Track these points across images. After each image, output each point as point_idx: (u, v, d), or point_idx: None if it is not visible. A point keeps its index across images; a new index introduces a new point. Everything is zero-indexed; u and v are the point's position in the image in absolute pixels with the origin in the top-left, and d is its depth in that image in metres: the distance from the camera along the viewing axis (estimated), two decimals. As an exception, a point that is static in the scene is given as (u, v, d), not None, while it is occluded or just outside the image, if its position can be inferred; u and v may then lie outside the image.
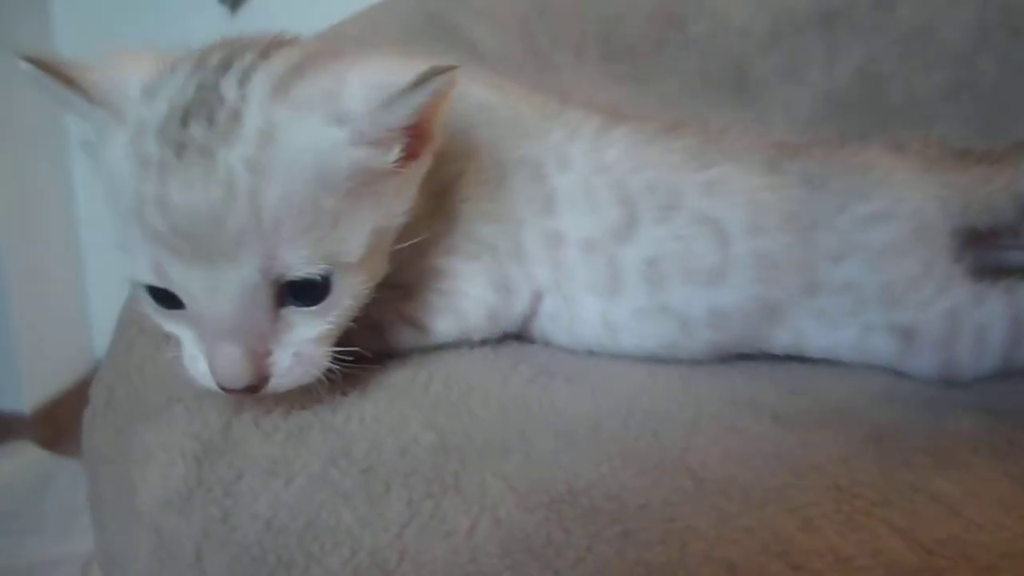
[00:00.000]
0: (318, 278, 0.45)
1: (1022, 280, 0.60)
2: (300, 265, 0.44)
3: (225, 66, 0.45)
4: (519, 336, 0.60)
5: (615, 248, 0.58)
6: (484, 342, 0.58)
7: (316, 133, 0.44)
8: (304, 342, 0.46)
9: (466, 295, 0.56)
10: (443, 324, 0.56)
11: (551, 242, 0.58)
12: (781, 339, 0.60)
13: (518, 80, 0.67)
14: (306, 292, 0.45)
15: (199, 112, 0.43)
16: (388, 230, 0.48)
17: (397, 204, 0.48)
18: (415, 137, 0.47)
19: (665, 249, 0.58)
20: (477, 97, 0.58)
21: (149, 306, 0.47)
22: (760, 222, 0.58)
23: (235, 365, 0.44)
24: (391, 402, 0.50)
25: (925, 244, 0.60)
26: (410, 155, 0.47)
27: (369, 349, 0.51)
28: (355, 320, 0.49)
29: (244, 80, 0.44)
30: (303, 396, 0.50)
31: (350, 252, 0.46)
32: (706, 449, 0.48)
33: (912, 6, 0.92)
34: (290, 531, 0.41)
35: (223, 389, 0.45)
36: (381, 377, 0.53)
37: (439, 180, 0.53)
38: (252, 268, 0.43)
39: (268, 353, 0.45)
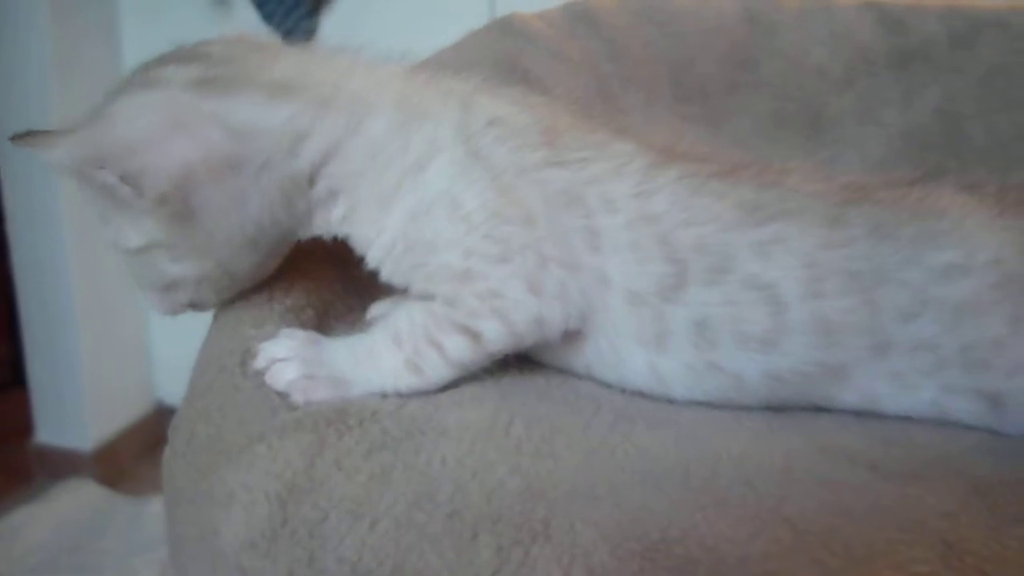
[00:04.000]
0: None
1: None
2: None
3: None
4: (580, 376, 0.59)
5: (662, 305, 0.55)
6: (562, 387, 0.57)
7: None
8: None
9: (504, 297, 0.54)
10: (491, 328, 0.54)
11: (596, 279, 0.56)
12: (848, 399, 0.57)
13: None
14: None
15: None
16: None
17: None
18: None
19: (715, 313, 0.55)
20: (490, 110, 0.58)
21: None
22: (818, 286, 0.55)
23: None
24: (473, 444, 0.49)
25: (1009, 299, 0.55)
26: None
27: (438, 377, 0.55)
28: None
29: None
30: (382, 435, 0.50)
31: None
32: (803, 500, 0.46)
33: (992, 45, 0.90)
34: (377, 575, 0.40)
35: None
36: (460, 415, 0.52)
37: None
38: None
39: None
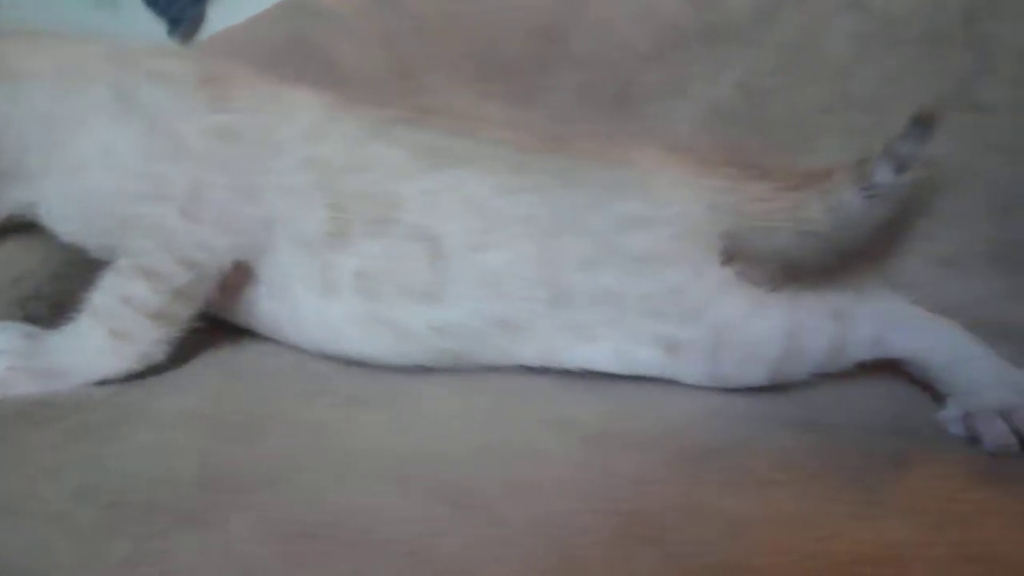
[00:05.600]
0: None
1: (804, 289, 0.57)
2: None
3: None
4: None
5: (326, 253, 0.55)
6: (296, 371, 0.56)
7: None
8: None
9: (165, 229, 0.54)
10: (160, 261, 0.54)
11: (263, 218, 0.55)
12: (525, 354, 0.57)
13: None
14: None
15: None
16: None
17: None
18: None
19: (377, 264, 0.55)
20: (149, 65, 0.57)
21: None
22: (486, 236, 0.55)
23: None
24: (172, 430, 0.48)
25: (691, 251, 0.56)
26: None
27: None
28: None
29: None
30: (79, 426, 0.48)
31: None
32: (491, 478, 0.45)
33: (792, 18, 0.91)
34: (14, 573, 0.38)
35: None
36: (173, 401, 0.51)
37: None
38: None
39: None
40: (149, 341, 0.54)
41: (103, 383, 0.53)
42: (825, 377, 0.57)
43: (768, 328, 0.55)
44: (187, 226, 0.54)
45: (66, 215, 0.56)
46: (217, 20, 1.48)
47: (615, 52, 0.93)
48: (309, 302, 0.56)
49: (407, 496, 0.43)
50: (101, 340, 0.53)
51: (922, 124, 0.61)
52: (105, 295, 0.54)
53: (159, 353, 0.54)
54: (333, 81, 0.83)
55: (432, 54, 0.89)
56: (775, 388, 0.58)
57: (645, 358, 0.56)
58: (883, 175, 0.60)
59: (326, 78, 0.83)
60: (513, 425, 0.52)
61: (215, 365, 0.56)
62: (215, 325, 0.59)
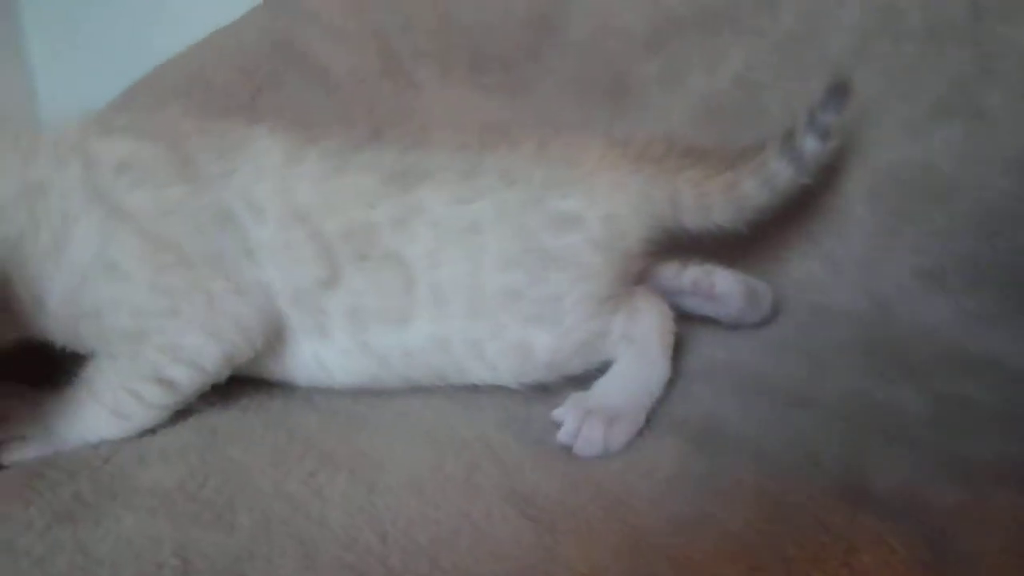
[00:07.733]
0: None
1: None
2: None
3: None
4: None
5: (320, 298, 0.58)
6: (276, 430, 0.59)
7: None
8: None
9: (185, 347, 0.56)
10: (181, 375, 0.57)
11: (262, 292, 0.58)
12: (473, 370, 0.61)
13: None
14: None
15: None
16: None
17: None
18: None
19: (365, 295, 0.58)
20: (112, 154, 0.56)
21: None
22: (438, 255, 0.58)
23: None
24: (155, 512, 0.51)
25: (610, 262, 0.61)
26: None
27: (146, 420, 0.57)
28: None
29: None
30: (72, 501, 0.51)
31: None
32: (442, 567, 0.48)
33: (795, 10, 0.88)
34: None
35: None
36: (158, 473, 0.54)
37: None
38: None
39: None
40: (152, 421, 0.57)
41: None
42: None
43: None
44: (209, 342, 0.56)
45: (59, 330, 0.57)
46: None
47: (612, 41, 0.91)
48: (306, 348, 0.60)
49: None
50: (99, 416, 0.56)
51: (839, 93, 0.67)
52: (109, 383, 0.56)
53: (158, 423, 0.58)
54: (319, 84, 0.84)
55: (423, 49, 0.88)
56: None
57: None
58: (811, 145, 0.67)
59: (312, 81, 0.83)
60: (475, 499, 0.54)
61: (205, 423, 0.59)
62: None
